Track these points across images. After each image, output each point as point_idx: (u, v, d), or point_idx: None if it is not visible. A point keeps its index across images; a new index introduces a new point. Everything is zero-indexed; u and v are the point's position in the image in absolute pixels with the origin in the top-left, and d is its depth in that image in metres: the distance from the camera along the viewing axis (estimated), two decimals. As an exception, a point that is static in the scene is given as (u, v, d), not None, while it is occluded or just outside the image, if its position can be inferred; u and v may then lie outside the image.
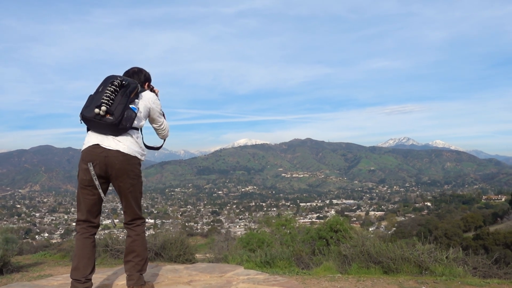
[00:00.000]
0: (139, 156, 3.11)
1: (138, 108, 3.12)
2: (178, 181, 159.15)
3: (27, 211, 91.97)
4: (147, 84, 3.41)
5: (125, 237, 3.32)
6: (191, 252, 9.03)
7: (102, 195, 3.04)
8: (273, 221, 12.96)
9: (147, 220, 78.76)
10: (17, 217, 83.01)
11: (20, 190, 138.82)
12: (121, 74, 3.29)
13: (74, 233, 3.14)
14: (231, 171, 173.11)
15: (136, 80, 3.27)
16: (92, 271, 3.01)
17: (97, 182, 2.95)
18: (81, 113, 2.93)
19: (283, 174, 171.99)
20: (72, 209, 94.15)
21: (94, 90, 3.03)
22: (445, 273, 4.89)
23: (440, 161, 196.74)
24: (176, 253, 8.61)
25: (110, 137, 3.00)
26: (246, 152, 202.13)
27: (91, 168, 2.93)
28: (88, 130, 3.07)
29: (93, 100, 2.91)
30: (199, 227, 73.03)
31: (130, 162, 3.05)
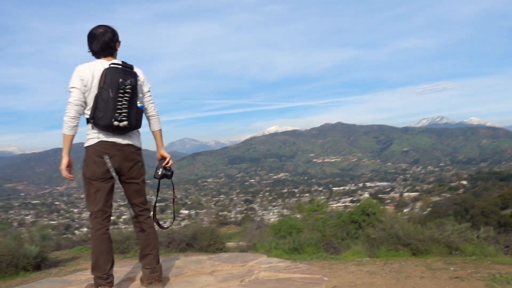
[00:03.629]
0: (141, 147, 3.28)
1: (142, 104, 3.24)
2: (210, 171, 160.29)
3: (65, 207, 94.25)
4: (118, 42, 3.28)
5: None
6: (221, 241, 9.13)
7: (118, 182, 3.15)
8: (306, 206, 12.94)
9: (181, 211, 80.00)
10: (56, 213, 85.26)
11: (57, 188, 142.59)
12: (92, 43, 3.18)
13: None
14: (262, 159, 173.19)
15: (111, 44, 3.19)
16: (112, 265, 3.07)
17: (114, 173, 3.04)
18: (94, 121, 2.97)
19: (315, 160, 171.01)
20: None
21: (97, 86, 2.99)
22: (475, 253, 4.79)
23: (476, 138, 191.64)
24: (207, 243, 8.72)
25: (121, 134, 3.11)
26: (277, 139, 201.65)
27: (108, 160, 3.01)
28: (87, 122, 3.08)
29: (107, 109, 2.93)
30: (232, 216, 73.51)
31: (139, 153, 3.25)
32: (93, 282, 3.06)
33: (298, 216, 12.42)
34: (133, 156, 3.16)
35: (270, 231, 10.75)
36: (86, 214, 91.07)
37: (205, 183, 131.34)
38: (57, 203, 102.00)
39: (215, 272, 2.98)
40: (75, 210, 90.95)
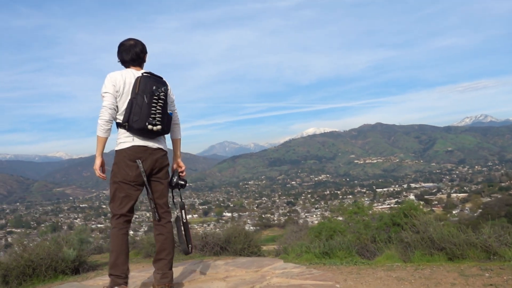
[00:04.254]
0: (167, 151, 3.45)
1: (171, 111, 3.39)
2: (251, 173, 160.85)
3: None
4: (146, 54, 3.52)
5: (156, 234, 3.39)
6: (256, 245, 9.05)
7: (149, 190, 3.30)
8: (350, 208, 12.73)
9: (224, 213, 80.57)
10: (103, 217, 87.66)
11: (104, 191, 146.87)
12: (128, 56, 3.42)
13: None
14: (302, 161, 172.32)
15: (141, 55, 3.45)
16: (128, 266, 3.20)
17: (145, 178, 3.20)
18: (129, 124, 3.15)
19: (356, 161, 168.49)
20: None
21: (129, 92, 3.20)
22: (514, 258, 4.52)
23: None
24: (240, 246, 8.67)
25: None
26: (316, 141, 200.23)
27: (141, 165, 3.16)
28: (118, 127, 3.26)
29: (142, 113, 3.11)
30: (275, 218, 73.46)
31: (167, 157, 3.41)
32: (108, 284, 3.12)
33: (340, 218, 12.24)
34: (162, 160, 3.33)
35: (310, 234, 10.63)
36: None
37: (246, 186, 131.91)
38: (103, 206, 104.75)
39: (228, 278, 2.94)
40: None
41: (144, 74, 3.26)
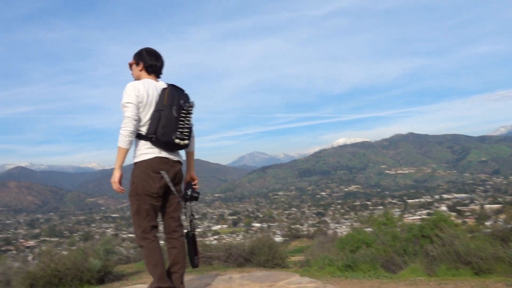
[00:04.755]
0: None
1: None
2: (280, 184, 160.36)
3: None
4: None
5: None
6: (280, 257, 8.98)
7: (179, 197, 3.27)
8: (379, 219, 12.52)
9: (253, 224, 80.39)
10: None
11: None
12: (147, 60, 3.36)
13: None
14: (332, 172, 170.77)
15: (162, 69, 3.41)
16: None
17: (173, 188, 3.17)
18: (156, 137, 3.08)
19: (387, 171, 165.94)
20: (183, 216, 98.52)
21: (152, 103, 3.13)
22: (544, 273, 4.35)
23: None
24: (265, 258, 8.62)
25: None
26: (346, 151, 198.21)
27: (166, 176, 3.11)
28: (140, 138, 3.17)
29: (171, 126, 3.08)
30: (305, 229, 72.81)
31: (182, 169, 3.36)
32: None
33: (369, 229, 12.04)
34: (180, 173, 3.31)
35: (337, 245, 10.48)
36: (161, 227, 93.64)
37: (276, 196, 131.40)
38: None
39: (240, 292, 2.90)
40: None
41: (171, 86, 3.22)
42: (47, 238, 71.79)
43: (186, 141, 3.14)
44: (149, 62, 3.32)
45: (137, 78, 3.34)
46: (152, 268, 3.08)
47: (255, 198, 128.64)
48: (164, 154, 3.13)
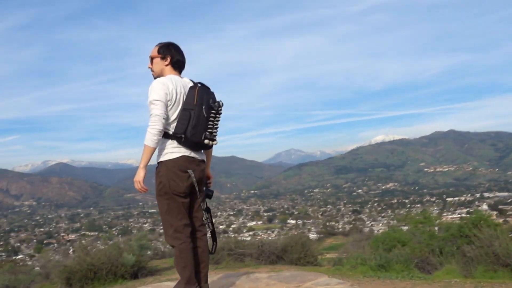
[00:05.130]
0: None
1: None
2: (316, 181, 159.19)
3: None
4: None
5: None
6: (312, 255, 8.91)
7: (201, 196, 3.21)
8: (416, 217, 12.27)
9: (288, 221, 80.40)
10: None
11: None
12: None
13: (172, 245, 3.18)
14: (369, 169, 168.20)
15: (184, 62, 3.29)
16: None
17: (197, 189, 3.10)
18: (185, 136, 3.00)
19: (426, 169, 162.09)
20: (218, 213, 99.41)
21: (180, 101, 3.04)
22: None
23: None
24: (297, 255, 8.57)
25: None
26: (384, 148, 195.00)
27: (193, 175, 3.05)
28: (167, 137, 3.07)
29: (201, 127, 3.01)
30: (340, 226, 72.24)
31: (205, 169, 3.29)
32: None
33: (406, 228, 11.79)
34: (204, 172, 3.23)
35: (372, 244, 10.31)
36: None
37: (311, 194, 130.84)
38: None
39: (266, 293, 2.84)
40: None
41: (200, 85, 3.13)
42: (87, 232, 73.79)
43: (215, 142, 3.09)
44: (177, 57, 3.21)
45: (159, 73, 3.21)
46: (182, 269, 3.03)
47: (290, 195, 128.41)
48: (190, 153, 3.08)
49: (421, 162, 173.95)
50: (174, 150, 3.05)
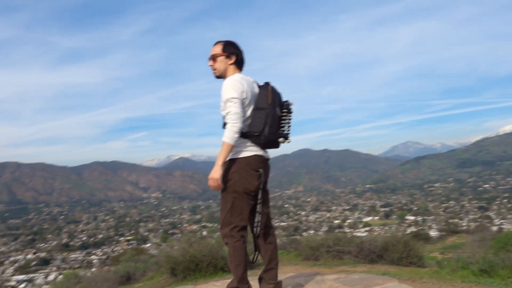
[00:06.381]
0: None
1: None
2: (437, 175, 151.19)
3: (294, 210, 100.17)
4: None
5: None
6: (416, 255, 8.45)
7: (261, 199, 3.15)
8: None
9: (407, 217, 77.52)
10: (286, 215, 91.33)
11: (286, 191, 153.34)
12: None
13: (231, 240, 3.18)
14: (497, 162, 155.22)
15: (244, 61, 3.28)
16: None
17: (260, 190, 3.10)
18: (261, 135, 3.02)
19: None
20: (333, 207, 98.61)
21: (252, 100, 3.07)
22: None
23: None
24: (398, 255, 8.17)
25: None
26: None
27: (263, 174, 3.10)
28: (241, 136, 3.05)
29: (275, 125, 3.06)
30: (464, 224, 67.90)
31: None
32: None
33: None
34: (270, 169, 3.27)
35: (495, 244, 9.59)
36: (312, 217, 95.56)
37: (431, 188, 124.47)
38: (286, 205, 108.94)
39: (326, 296, 2.77)
40: (303, 213, 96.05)
41: (268, 84, 3.15)
42: (207, 224, 77.53)
43: (288, 140, 3.10)
44: (241, 55, 3.19)
45: (223, 72, 3.18)
46: (235, 267, 3.02)
47: (408, 189, 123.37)
48: (261, 152, 3.09)
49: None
50: (247, 149, 3.06)
